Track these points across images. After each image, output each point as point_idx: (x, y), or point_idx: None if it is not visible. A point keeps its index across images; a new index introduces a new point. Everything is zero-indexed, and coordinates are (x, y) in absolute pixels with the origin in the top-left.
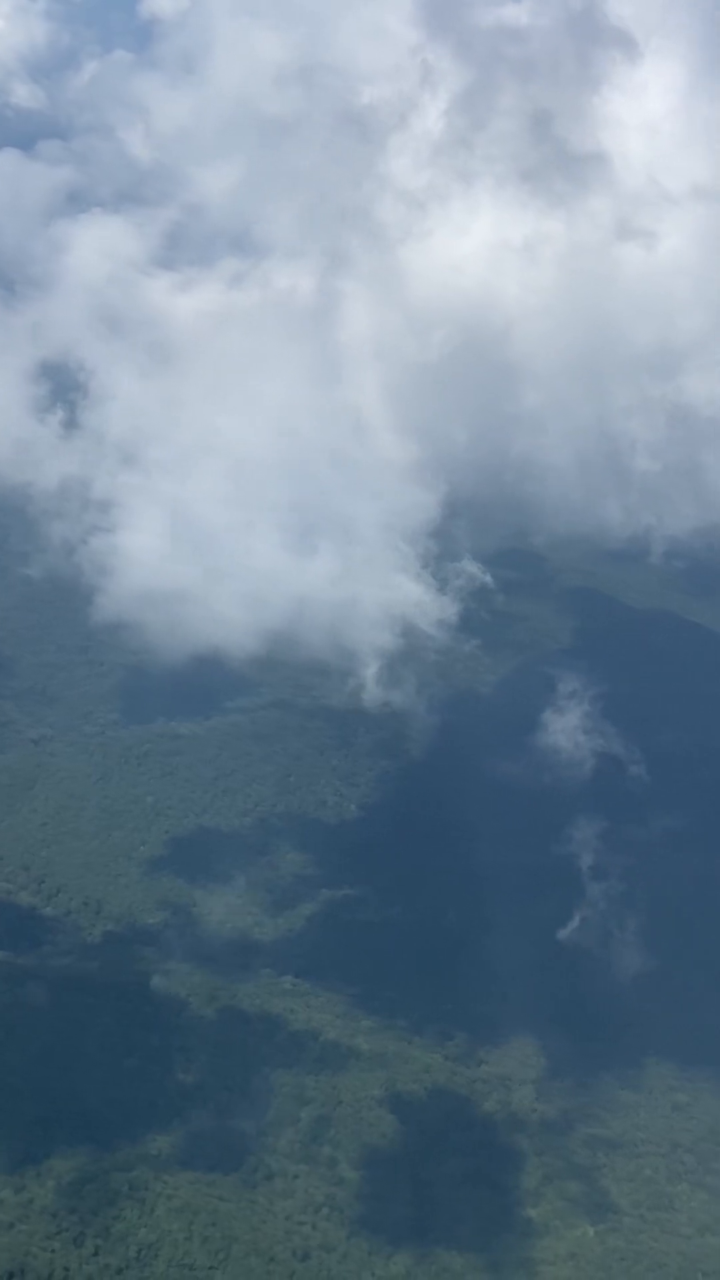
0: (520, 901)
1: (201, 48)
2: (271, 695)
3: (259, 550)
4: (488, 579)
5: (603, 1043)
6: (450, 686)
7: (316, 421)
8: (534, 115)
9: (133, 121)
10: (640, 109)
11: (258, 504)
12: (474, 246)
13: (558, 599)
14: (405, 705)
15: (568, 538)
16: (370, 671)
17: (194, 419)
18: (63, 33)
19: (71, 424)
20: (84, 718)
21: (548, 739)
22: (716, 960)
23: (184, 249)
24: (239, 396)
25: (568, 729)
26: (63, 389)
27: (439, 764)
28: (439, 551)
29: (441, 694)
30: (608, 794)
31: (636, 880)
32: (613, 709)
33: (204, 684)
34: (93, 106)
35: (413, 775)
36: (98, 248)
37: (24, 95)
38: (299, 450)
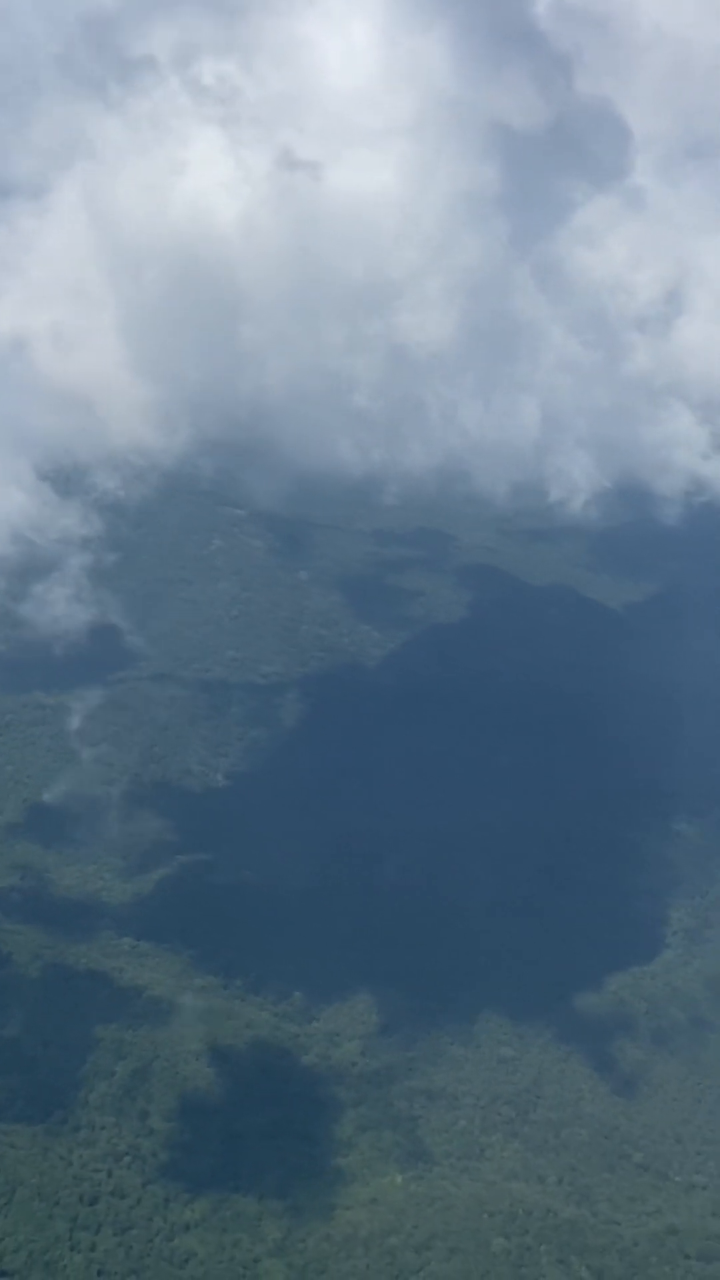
0: (373, 864)
1: None
2: (153, 668)
3: None
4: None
5: (440, 999)
6: (334, 661)
7: None
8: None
9: None
10: (339, 45)
11: None
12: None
13: (456, 573)
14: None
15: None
16: None
17: None
18: None
19: None
20: None
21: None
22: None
23: None
24: None
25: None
26: None
27: (311, 732)
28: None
29: (322, 668)
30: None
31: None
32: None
33: (86, 656)
34: None
35: (283, 744)
36: None
37: None
38: None
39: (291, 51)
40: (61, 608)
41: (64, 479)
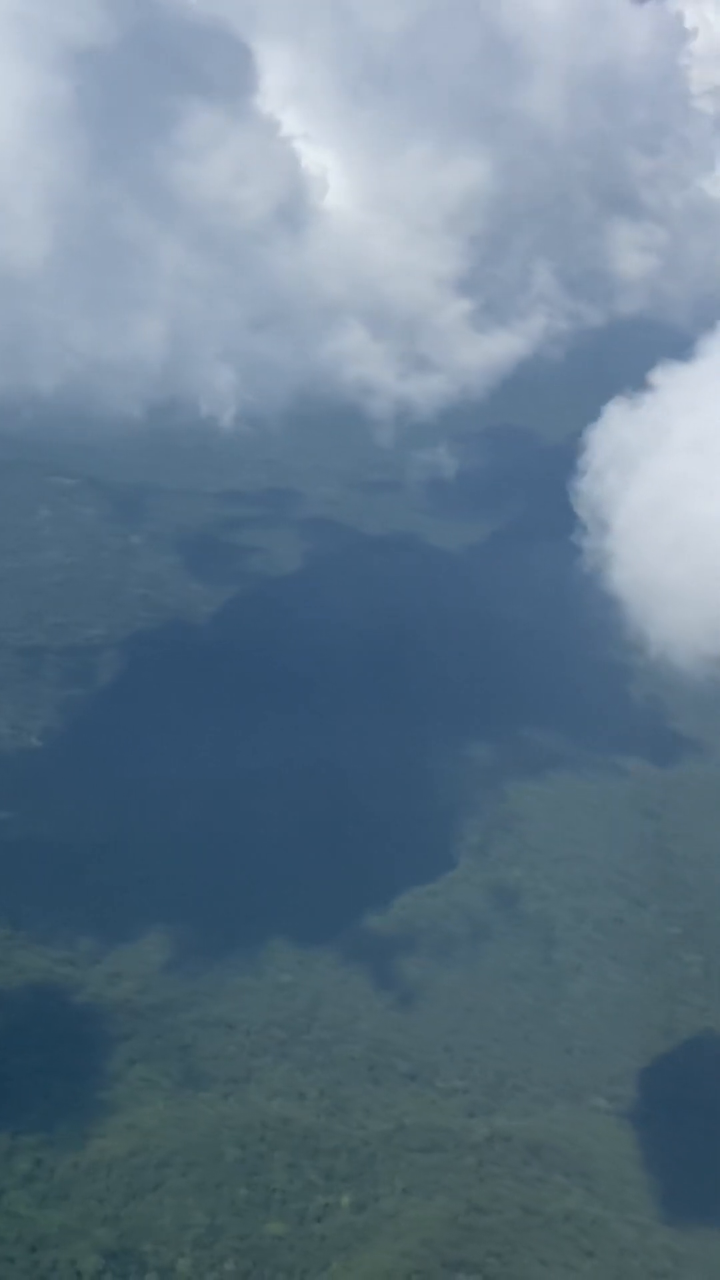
0: (169, 810)
1: None
2: None
3: None
4: None
5: (228, 933)
6: (160, 620)
7: None
8: None
9: None
10: None
11: None
12: None
13: (295, 527)
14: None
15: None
16: None
17: None
18: None
19: None
20: None
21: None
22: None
23: None
24: None
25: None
26: None
27: (127, 690)
28: None
29: (146, 628)
30: None
31: None
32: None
33: None
34: None
35: (98, 703)
36: None
37: None
38: None
39: None
40: None
41: None
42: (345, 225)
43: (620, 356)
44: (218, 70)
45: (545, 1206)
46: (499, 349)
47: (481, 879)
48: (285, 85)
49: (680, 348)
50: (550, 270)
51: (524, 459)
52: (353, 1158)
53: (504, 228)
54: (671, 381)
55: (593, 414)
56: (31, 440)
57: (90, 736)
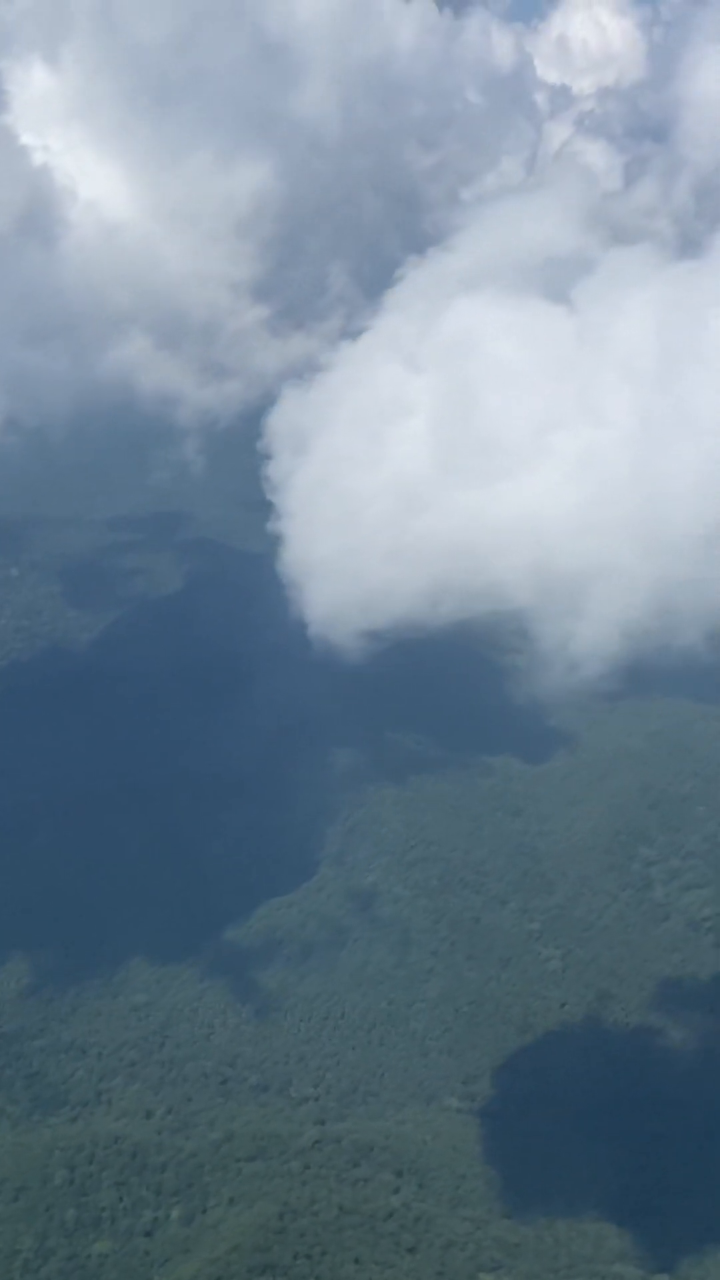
0: (26, 836)
1: None
2: None
3: None
4: None
5: (87, 955)
6: (35, 649)
7: None
8: None
9: None
10: None
11: None
12: None
13: (177, 549)
14: None
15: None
16: None
17: None
18: None
19: None
20: None
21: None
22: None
23: None
24: None
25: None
26: None
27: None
28: None
29: (21, 658)
30: None
31: None
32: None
33: None
34: None
35: None
36: None
37: None
38: None
39: None
40: None
41: None
42: (132, 236)
43: None
44: None
45: (365, 1205)
46: (298, 352)
47: (338, 885)
48: (63, 102)
49: None
50: (345, 271)
51: None
52: (180, 1170)
53: (295, 231)
54: (340, 360)
55: None
56: None
57: None
